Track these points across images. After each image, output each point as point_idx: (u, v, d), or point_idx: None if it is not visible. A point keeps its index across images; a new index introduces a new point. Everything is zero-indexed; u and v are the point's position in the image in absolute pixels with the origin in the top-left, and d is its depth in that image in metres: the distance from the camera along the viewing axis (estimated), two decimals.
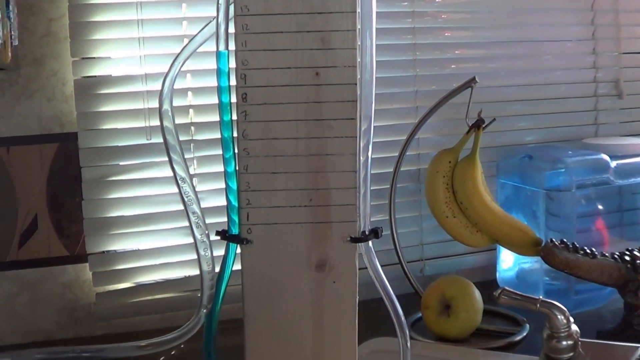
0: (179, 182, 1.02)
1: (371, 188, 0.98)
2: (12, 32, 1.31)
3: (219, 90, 0.96)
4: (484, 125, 1.46)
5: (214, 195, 1.52)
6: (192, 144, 1.52)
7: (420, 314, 1.48)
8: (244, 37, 0.94)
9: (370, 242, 0.98)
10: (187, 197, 1.03)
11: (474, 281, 1.47)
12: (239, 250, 0.99)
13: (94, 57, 1.47)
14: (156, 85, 1.43)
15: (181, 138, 1.42)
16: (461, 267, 1.74)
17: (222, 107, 0.96)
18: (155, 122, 1.40)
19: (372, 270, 0.98)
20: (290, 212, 0.96)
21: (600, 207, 1.57)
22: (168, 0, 1.50)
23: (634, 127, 1.88)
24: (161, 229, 1.52)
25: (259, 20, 0.93)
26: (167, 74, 1.00)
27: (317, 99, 0.94)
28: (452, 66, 1.71)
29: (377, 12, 0.94)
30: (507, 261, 1.66)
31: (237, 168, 0.96)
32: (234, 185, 0.96)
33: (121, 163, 1.50)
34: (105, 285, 1.52)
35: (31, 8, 1.45)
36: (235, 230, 0.98)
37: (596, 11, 1.82)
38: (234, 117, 0.96)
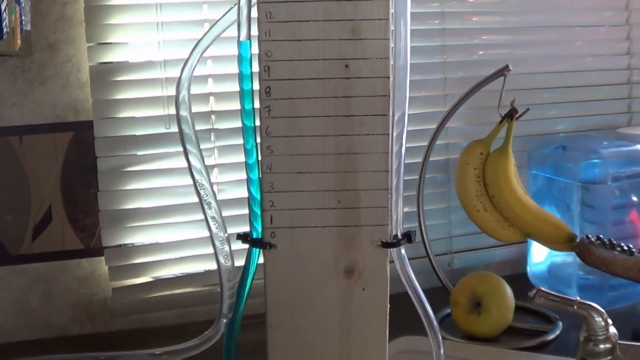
0: (195, 174, 0.95)
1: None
2: (23, 17, 1.24)
3: (240, 77, 0.89)
4: (517, 116, 1.38)
5: (235, 186, 1.46)
6: (212, 133, 1.45)
7: (449, 310, 1.42)
8: (267, 26, 0.86)
9: (402, 248, 0.90)
10: (202, 189, 0.95)
11: (504, 275, 1.42)
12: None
13: (111, 43, 1.40)
14: (175, 72, 1.36)
15: (201, 127, 1.41)
16: (491, 260, 1.67)
17: (243, 95, 0.89)
18: (175, 111, 1.34)
19: (404, 277, 0.92)
20: (317, 215, 0.90)
21: (635, 198, 1.50)
22: None
23: None
24: (180, 222, 1.45)
25: (284, 8, 0.86)
26: (185, 62, 0.93)
27: (346, 93, 0.87)
28: (481, 52, 1.64)
29: None
30: (539, 255, 1.58)
31: (259, 164, 0.89)
32: (255, 177, 0.89)
33: (139, 153, 1.43)
34: (121, 280, 1.46)
35: None
36: (257, 234, 0.91)
37: None
38: (256, 105, 0.89)
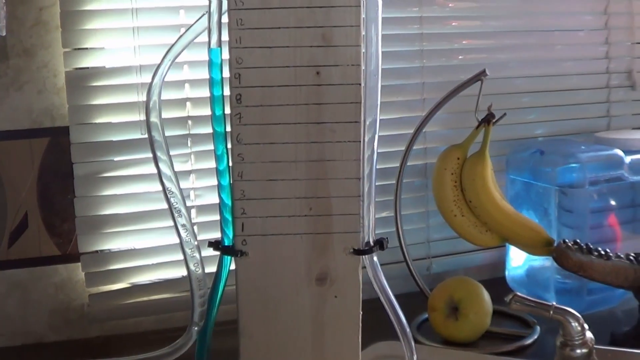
0: (164, 180, 0.95)
1: (376, 184, 0.91)
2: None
3: (211, 83, 0.89)
4: (494, 120, 1.38)
5: (213, 191, 1.41)
6: (189, 139, 1.44)
7: (427, 315, 1.41)
8: (238, 33, 0.86)
9: (375, 254, 0.90)
10: (172, 196, 0.95)
11: (482, 279, 1.43)
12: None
13: (87, 48, 1.39)
14: (150, 77, 1.36)
15: (178, 132, 1.40)
16: (469, 264, 1.66)
17: (214, 101, 0.89)
18: None
19: (377, 284, 0.92)
20: (289, 222, 0.89)
21: (613, 202, 1.50)
22: None
23: None
24: (157, 228, 1.44)
25: (255, 15, 0.85)
26: (157, 68, 0.92)
27: (317, 100, 0.87)
28: (460, 57, 1.63)
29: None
30: (517, 259, 1.58)
31: (230, 171, 0.89)
32: (226, 183, 0.89)
33: (115, 159, 1.43)
34: (98, 286, 1.45)
35: None
36: (229, 242, 0.90)
37: None
38: (227, 111, 0.88)
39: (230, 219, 0.89)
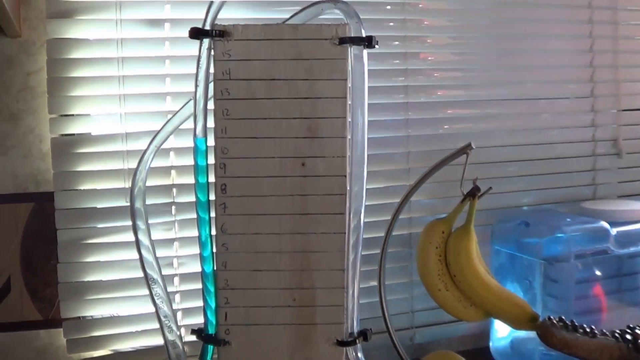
0: (142, 250, 0.94)
1: (362, 253, 0.90)
2: None
3: (196, 169, 0.89)
4: (479, 194, 1.38)
5: (196, 259, 1.42)
6: (173, 206, 1.43)
7: None
8: (224, 123, 0.86)
9: (358, 345, 0.90)
10: (148, 266, 0.95)
11: (466, 349, 1.45)
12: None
13: (73, 115, 1.39)
14: (137, 145, 1.37)
15: (162, 200, 1.40)
16: (453, 334, 1.65)
17: (198, 187, 0.89)
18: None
19: None
20: (273, 313, 0.89)
21: (598, 273, 1.49)
22: (150, 57, 1.42)
23: (633, 187, 1.81)
24: (139, 295, 1.43)
25: (241, 106, 0.86)
26: (142, 155, 0.92)
27: (302, 191, 0.87)
28: (446, 126, 1.63)
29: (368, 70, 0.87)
30: (502, 330, 1.57)
31: (214, 260, 0.88)
32: (209, 270, 0.89)
33: (99, 225, 1.42)
34: (80, 352, 1.44)
35: (8, 61, 1.39)
36: (212, 328, 0.90)
37: (595, 67, 1.76)
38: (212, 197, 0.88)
39: (213, 305, 0.89)
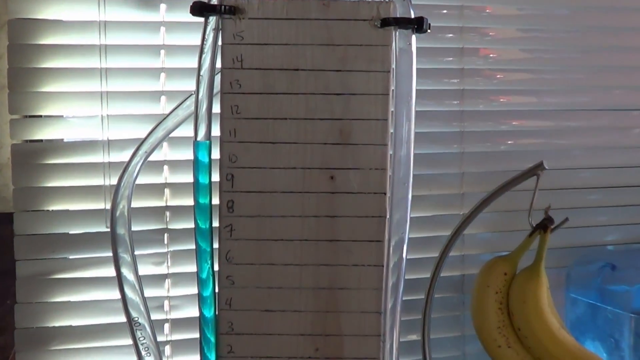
0: (125, 290, 0.94)
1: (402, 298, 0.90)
2: None
3: (196, 187, 0.88)
4: (552, 227, 1.38)
5: (193, 301, 1.42)
6: (166, 234, 1.43)
7: None
8: (232, 123, 0.86)
9: None
10: (133, 309, 0.94)
11: None
12: None
13: (41, 116, 1.40)
14: (122, 156, 1.37)
15: (154, 227, 1.40)
16: None
17: (198, 210, 0.88)
18: None
19: None
20: None
21: None
22: (141, 45, 1.43)
23: None
24: (120, 346, 1.43)
25: (255, 101, 0.86)
26: (126, 165, 0.92)
27: (330, 212, 0.87)
28: (509, 142, 1.62)
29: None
30: None
31: (217, 298, 0.88)
32: (210, 315, 0.89)
33: (70, 256, 1.42)
34: None
35: None
36: None
37: None
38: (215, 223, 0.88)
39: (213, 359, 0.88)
